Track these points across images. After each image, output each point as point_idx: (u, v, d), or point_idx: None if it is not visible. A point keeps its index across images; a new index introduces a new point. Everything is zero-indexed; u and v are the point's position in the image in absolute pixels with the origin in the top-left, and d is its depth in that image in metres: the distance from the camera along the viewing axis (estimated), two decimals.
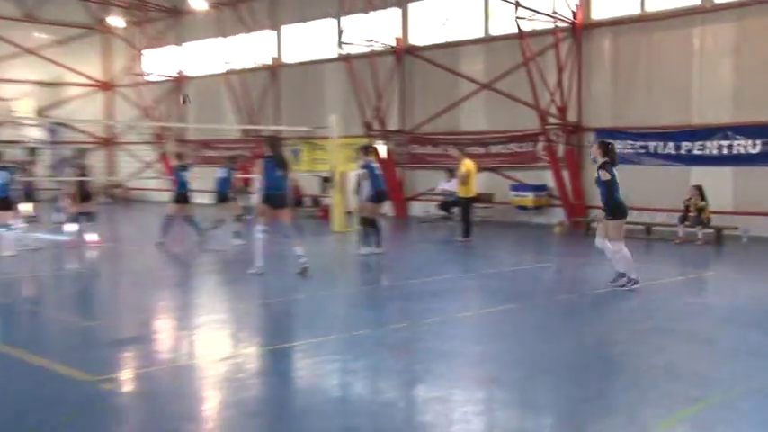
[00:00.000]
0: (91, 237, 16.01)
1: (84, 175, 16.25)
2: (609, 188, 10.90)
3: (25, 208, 17.05)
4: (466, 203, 17.31)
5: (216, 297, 11.50)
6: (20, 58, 33.49)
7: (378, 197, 14.98)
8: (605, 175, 10.86)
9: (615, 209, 10.99)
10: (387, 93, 24.21)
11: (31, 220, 17.27)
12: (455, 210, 19.55)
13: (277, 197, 12.19)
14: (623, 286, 10.99)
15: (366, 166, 15.12)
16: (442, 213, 20.71)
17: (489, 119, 22.85)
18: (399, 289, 11.76)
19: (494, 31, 22.58)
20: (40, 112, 32.68)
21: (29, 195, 17.62)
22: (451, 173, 20.22)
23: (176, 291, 11.92)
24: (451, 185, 19.92)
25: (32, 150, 18.35)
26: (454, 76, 23.41)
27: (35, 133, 31.58)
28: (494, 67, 22.43)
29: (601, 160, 10.96)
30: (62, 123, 33.31)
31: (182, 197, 16.49)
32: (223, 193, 17.39)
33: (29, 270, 13.59)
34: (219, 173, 17.45)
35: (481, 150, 22.32)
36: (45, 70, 34.23)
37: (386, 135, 24.30)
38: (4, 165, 15.11)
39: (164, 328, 9.28)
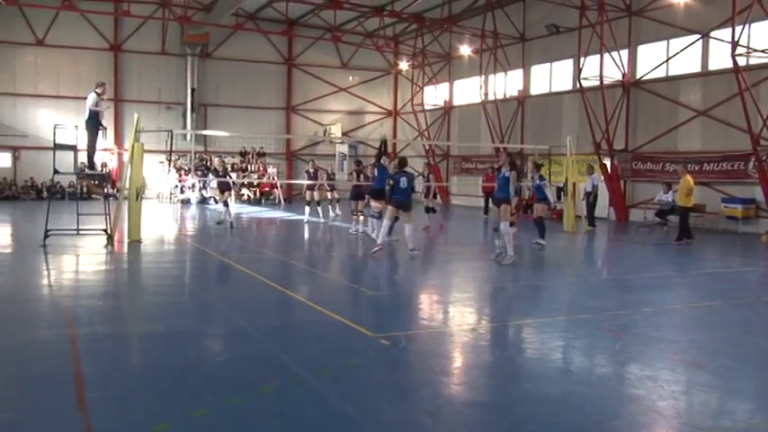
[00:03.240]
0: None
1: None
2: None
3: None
4: (685, 212, 16.12)
5: (467, 279, 11.47)
6: (335, 95, 35.87)
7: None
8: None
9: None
10: (614, 118, 23.01)
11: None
12: (670, 217, 18.39)
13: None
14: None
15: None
16: (658, 220, 19.39)
17: (704, 141, 21.02)
18: (619, 282, 11.16)
19: (712, 66, 20.79)
20: (345, 134, 34.83)
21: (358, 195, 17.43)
22: (668, 186, 19.04)
23: (440, 272, 12.06)
24: (668, 196, 18.71)
25: (359, 162, 19.05)
26: (674, 104, 21.87)
27: (342, 148, 33.77)
28: (710, 96, 20.68)
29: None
30: (361, 141, 35.32)
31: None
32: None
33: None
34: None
35: (695, 167, 20.56)
36: (351, 103, 36.35)
37: (612, 153, 23.24)
38: (383, 166, 14.55)
39: (426, 301, 9.34)
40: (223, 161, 20.13)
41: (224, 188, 18.61)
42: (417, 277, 11.41)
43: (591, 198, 19.79)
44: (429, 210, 18.51)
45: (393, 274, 11.98)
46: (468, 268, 12.40)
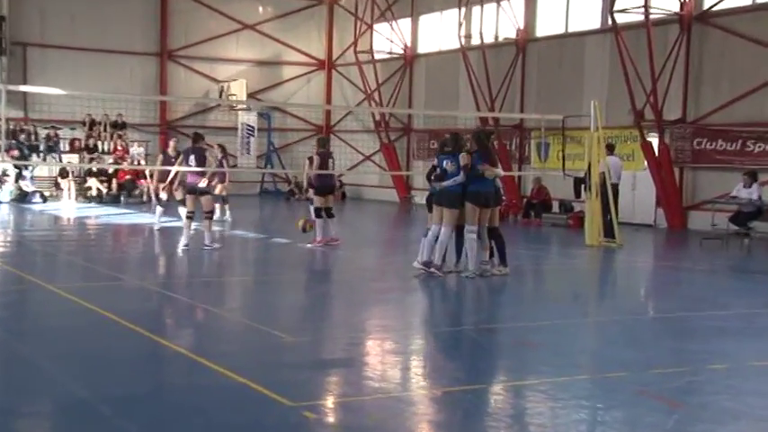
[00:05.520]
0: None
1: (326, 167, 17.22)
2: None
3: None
4: None
5: (434, 314, 11.56)
6: (237, 35, 35.81)
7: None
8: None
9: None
10: (665, 72, 23.28)
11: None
12: (755, 224, 18.69)
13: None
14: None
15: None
16: (735, 228, 19.59)
17: None
18: (671, 323, 11.29)
19: None
20: (252, 95, 34.64)
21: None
22: (753, 176, 19.16)
23: (391, 303, 12.16)
24: (751, 192, 18.88)
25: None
26: (763, 48, 22.03)
27: (247, 118, 33.50)
28: None
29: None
30: (276, 107, 35.16)
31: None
32: None
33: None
34: None
35: None
36: (262, 48, 36.34)
37: (662, 126, 23.52)
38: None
39: (372, 350, 9.45)
40: None
41: None
42: (356, 313, 11.53)
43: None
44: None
45: (321, 310, 12.12)
46: (437, 296, 12.63)
